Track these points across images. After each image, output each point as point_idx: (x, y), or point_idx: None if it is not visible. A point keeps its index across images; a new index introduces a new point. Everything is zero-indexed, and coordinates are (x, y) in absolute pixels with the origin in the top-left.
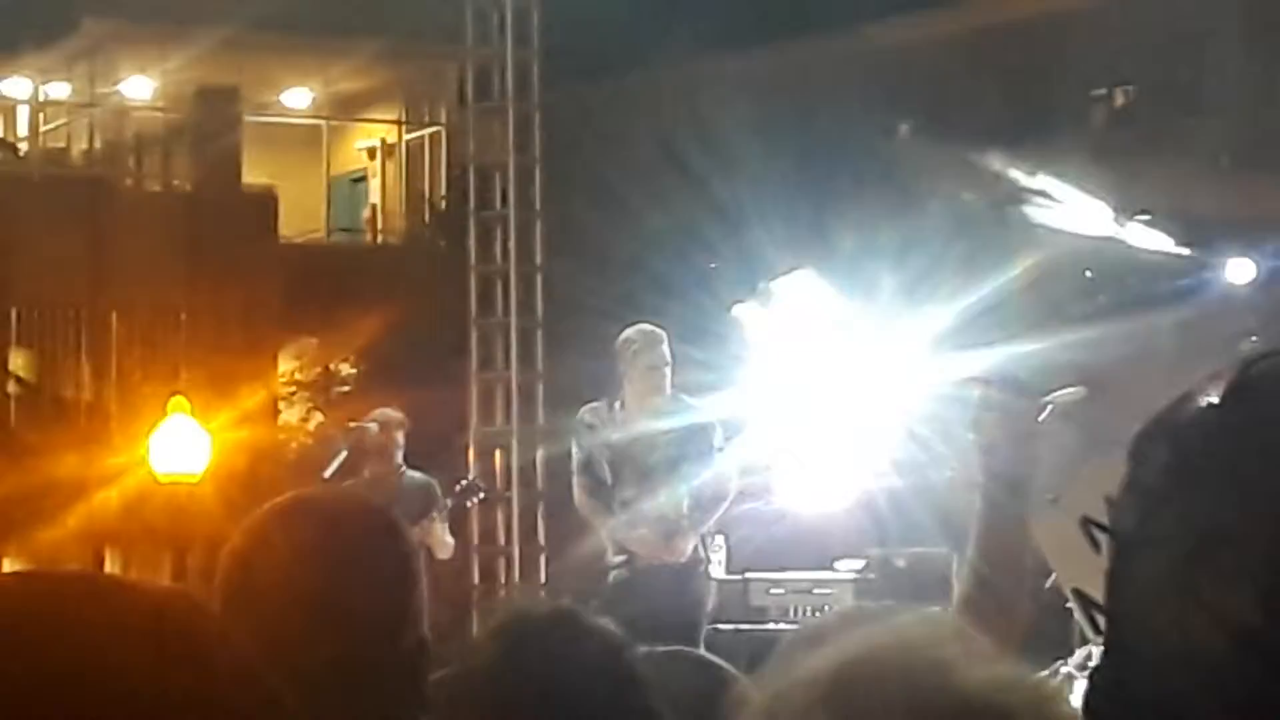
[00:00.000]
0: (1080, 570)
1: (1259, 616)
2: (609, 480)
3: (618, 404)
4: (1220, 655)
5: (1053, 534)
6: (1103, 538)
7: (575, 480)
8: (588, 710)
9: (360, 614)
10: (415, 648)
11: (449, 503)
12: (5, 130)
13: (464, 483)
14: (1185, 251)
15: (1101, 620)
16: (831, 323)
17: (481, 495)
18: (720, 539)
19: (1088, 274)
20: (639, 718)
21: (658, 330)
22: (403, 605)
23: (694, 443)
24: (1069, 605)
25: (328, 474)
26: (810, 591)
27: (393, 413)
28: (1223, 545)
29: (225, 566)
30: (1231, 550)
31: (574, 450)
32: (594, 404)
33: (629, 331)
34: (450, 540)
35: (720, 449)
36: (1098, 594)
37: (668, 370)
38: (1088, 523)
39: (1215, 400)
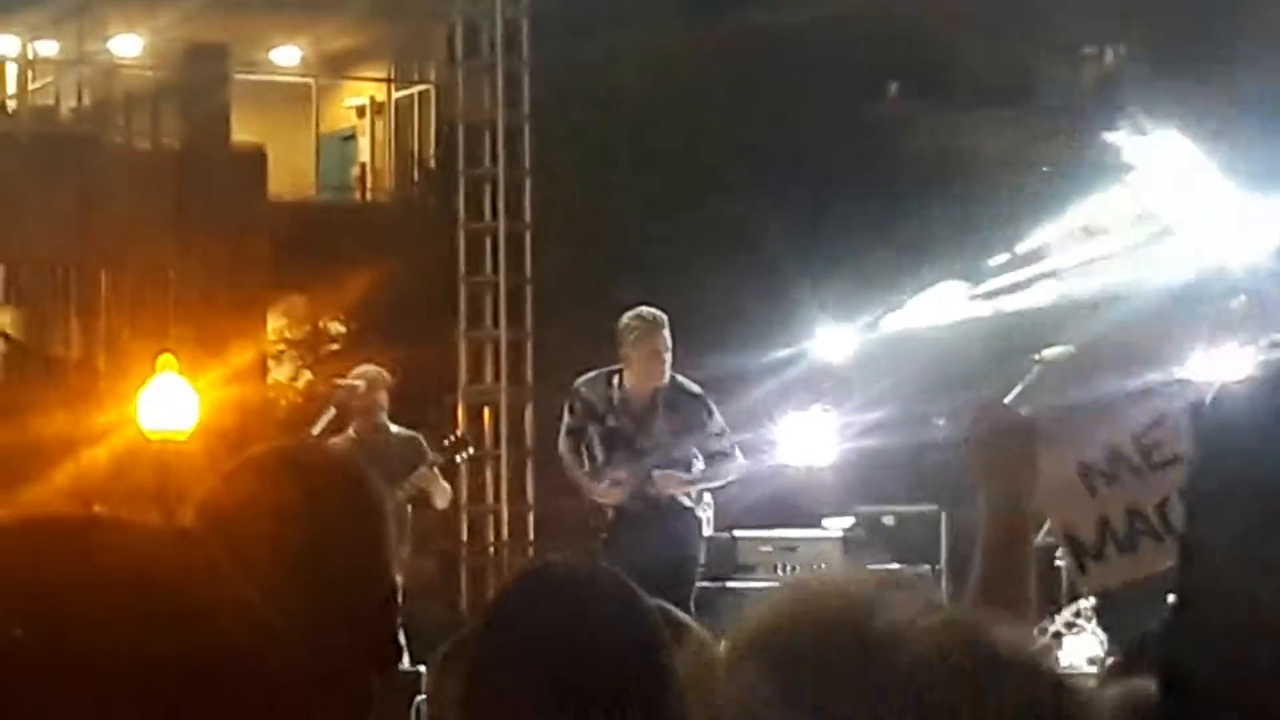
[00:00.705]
0: (1074, 514)
1: None
2: (600, 457)
3: (615, 380)
4: None
5: (1048, 475)
6: (1100, 484)
7: (561, 436)
8: (607, 665)
9: (327, 565)
10: (384, 599)
11: (440, 457)
12: None
13: (453, 437)
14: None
15: (1089, 564)
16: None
17: (470, 451)
18: (708, 496)
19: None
20: (657, 674)
21: (659, 315)
22: (370, 556)
23: (690, 430)
24: (1057, 563)
25: (315, 431)
26: (798, 549)
27: (377, 369)
28: None
29: (194, 518)
30: None
31: (565, 415)
32: (590, 375)
33: (630, 316)
34: (448, 488)
35: (718, 434)
36: (1089, 538)
37: (668, 356)
38: (1085, 468)
39: None
